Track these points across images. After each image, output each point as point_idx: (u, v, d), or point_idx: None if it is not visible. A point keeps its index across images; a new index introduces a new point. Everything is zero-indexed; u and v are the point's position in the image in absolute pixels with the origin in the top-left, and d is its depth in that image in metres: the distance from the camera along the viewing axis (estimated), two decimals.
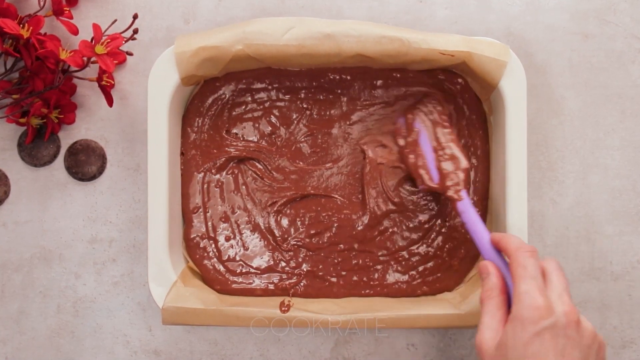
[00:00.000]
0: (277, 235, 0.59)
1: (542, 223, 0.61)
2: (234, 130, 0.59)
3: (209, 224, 0.58)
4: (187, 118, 0.58)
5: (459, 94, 0.58)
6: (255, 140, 0.59)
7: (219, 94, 0.58)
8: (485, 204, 0.59)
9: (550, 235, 0.61)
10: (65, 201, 0.61)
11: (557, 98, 0.61)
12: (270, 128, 0.59)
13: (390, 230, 0.59)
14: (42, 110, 0.58)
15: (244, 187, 0.59)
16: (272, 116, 0.59)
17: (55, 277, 0.61)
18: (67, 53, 0.55)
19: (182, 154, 0.58)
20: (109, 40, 0.55)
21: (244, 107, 0.59)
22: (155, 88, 0.54)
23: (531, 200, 0.61)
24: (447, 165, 0.55)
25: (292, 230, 0.59)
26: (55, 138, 0.61)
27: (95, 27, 0.54)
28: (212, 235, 0.58)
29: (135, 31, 0.56)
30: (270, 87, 0.58)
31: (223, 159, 0.59)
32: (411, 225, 0.59)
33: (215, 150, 0.58)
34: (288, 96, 0.58)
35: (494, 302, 0.47)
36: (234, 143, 0.59)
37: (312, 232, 0.59)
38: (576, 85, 0.61)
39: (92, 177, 0.61)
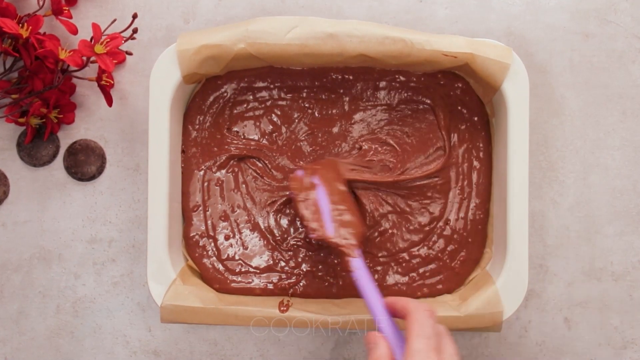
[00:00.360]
0: (277, 234, 0.59)
1: (542, 223, 0.61)
2: (235, 129, 0.59)
3: (209, 222, 0.58)
4: (188, 116, 0.58)
5: (461, 96, 0.58)
6: (256, 138, 0.59)
7: (220, 92, 0.58)
8: (487, 207, 0.59)
9: (550, 236, 0.61)
10: (64, 201, 0.61)
11: (557, 98, 0.61)
12: (271, 127, 0.59)
13: (390, 231, 0.59)
14: (42, 110, 0.58)
15: (244, 185, 0.59)
16: (273, 115, 0.59)
17: (54, 278, 0.61)
18: (67, 53, 0.56)
19: (182, 151, 0.58)
20: (108, 40, 0.55)
21: (245, 105, 0.59)
22: (157, 86, 0.54)
23: (532, 200, 0.61)
24: (344, 223, 0.53)
25: (292, 229, 0.59)
26: (54, 138, 0.61)
27: (95, 26, 0.54)
28: (211, 234, 0.58)
29: (135, 31, 0.56)
30: (272, 85, 0.58)
31: (224, 157, 0.59)
32: (412, 227, 0.59)
33: (215, 149, 0.59)
34: (290, 95, 0.58)
35: None
36: (235, 141, 0.59)
37: None
38: (577, 85, 0.61)
39: (92, 177, 0.61)
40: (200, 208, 0.58)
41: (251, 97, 0.59)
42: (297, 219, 0.58)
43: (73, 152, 0.61)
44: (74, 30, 0.58)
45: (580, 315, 0.61)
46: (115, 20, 0.58)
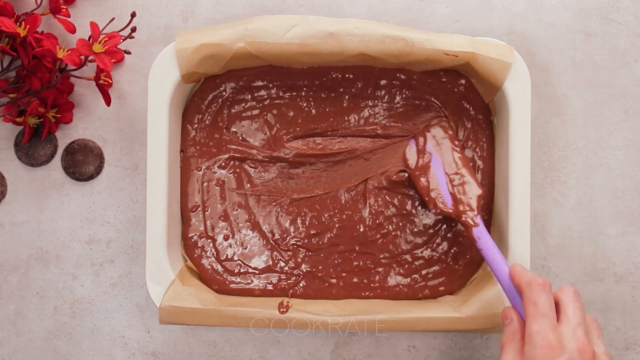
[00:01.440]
0: (277, 234, 0.59)
1: (544, 224, 0.61)
2: (233, 128, 0.59)
3: (208, 222, 0.58)
4: (187, 115, 0.58)
5: (465, 93, 0.58)
6: (255, 138, 0.59)
7: (219, 91, 0.58)
8: (491, 207, 0.59)
9: (552, 236, 0.61)
10: (62, 201, 0.62)
11: (559, 97, 0.61)
12: (270, 126, 0.59)
13: (394, 233, 0.59)
14: (39, 110, 0.58)
15: (248, 184, 0.59)
16: (271, 114, 0.59)
17: (52, 278, 0.62)
18: (65, 52, 0.55)
19: (181, 151, 0.58)
20: (106, 39, 0.55)
21: (243, 104, 0.59)
22: (155, 85, 0.54)
23: (533, 200, 0.61)
24: (461, 191, 0.55)
25: (292, 230, 0.59)
26: (52, 138, 0.61)
27: (93, 25, 0.54)
28: (210, 234, 0.59)
29: (133, 29, 0.56)
30: (271, 85, 0.58)
31: (224, 157, 0.59)
32: (415, 229, 0.59)
33: (214, 149, 0.59)
34: (289, 94, 0.59)
35: (514, 346, 0.47)
36: (233, 141, 0.59)
37: (312, 232, 0.59)
38: (579, 84, 0.61)
39: (90, 177, 0.61)
40: (199, 208, 0.59)
41: (249, 96, 0.59)
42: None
43: (71, 151, 0.61)
44: (72, 29, 0.58)
45: None
46: (113, 19, 0.58)
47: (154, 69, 0.55)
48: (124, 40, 0.56)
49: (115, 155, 0.62)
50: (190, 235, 0.59)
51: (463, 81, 0.58)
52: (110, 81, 0.61)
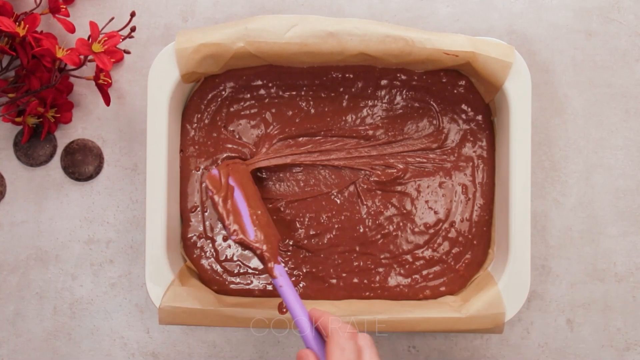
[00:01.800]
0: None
1: (545, 224, 0.61)
2: (231, 127, 0.59)
3: (207, 223, 0.59)
4: (187, 114, 0.58)
5: (465, 94, 0.58)
6: (254, 138, 0.59)
7: (218, 91, 0.58)
8: (492, 208, 0.59)
9: (553, 236, 0.61)
10: (61, 201, 0.62)
11: (560, 97, 0.61)
12: (267, 124, 0.59)
13: (394, 233, 0.59)
14: (39, 110, 0.58)
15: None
16: (271, 114, 0.59)
17: (51, 279, 0.62)
18: (64, 51, 0.56)
19: (181, 151, 0.58)
20: (106, 39, 0.55)
21: (242, 103, 0.59)
22: (155, 85, 0.55)
23: (534, 200, 0.61)
24: (263, 226, 0.53)
25: (291, 231, 0.59)
26: (51, 137, 0.61)
27: (92, 25, 0.55)
28: (209, 234, 0.59)
29: (133, 29, 0.57)
30: (270, 84, 0.58)
31: (221, 157, 0.59)
32: (416, 229, 0.59)
33: (212, 149, 0.59)
34: (288, 94, 0.59)
35: None
36: (230, 140, 0.59)
37: (312, 233, 0.59)
38: (580, 84, 0.61)
39: (89, 177, 0.61)
40: (199, 209, 0.59)
41: (249, 95, 0.59)
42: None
43: (70, 151, 0.61)
44: (72, 29, 0.58)
45: (583, 317, 0.61)
46: (113, 18, 0.58)
47: (154, 68, 0.55)
48: (123, 39, 0.57)
49: (114, 155, 0.62)
50: (189, 235, 0.59)
51: (463, 82, 0.58)
52: (110, 81, 0.61)
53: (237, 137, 0.59)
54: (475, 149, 0.59)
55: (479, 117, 0.59)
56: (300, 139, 0.59)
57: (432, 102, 0.59)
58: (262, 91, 0.59)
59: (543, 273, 0.61)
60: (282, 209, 0.59)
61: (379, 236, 0.59)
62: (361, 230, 0.59)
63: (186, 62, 0.54)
